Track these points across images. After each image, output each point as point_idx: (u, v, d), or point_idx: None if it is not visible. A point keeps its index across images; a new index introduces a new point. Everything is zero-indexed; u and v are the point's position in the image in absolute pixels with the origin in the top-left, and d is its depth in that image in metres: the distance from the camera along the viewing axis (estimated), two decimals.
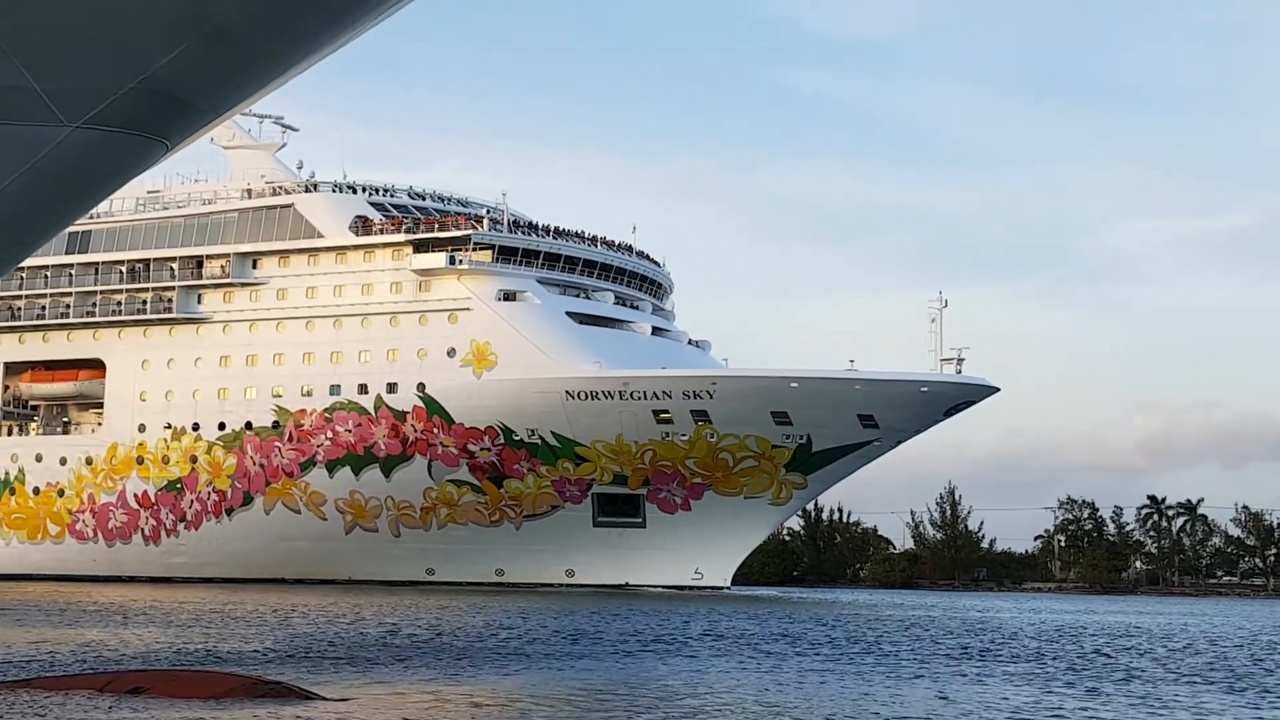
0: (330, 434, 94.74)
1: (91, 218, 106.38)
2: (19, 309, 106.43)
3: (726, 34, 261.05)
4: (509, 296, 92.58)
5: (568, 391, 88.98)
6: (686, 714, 25.04)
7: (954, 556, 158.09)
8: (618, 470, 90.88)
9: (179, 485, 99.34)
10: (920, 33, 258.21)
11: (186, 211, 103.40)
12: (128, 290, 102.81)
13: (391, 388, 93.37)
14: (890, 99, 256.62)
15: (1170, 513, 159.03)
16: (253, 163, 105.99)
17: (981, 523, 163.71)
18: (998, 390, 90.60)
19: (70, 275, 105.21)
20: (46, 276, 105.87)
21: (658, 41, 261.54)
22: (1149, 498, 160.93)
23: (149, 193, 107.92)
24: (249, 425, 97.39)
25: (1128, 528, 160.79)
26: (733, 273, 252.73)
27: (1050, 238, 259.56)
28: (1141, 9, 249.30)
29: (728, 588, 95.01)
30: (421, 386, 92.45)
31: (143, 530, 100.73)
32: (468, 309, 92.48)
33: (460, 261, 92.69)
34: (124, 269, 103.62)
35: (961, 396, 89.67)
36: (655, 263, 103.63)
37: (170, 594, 78.56)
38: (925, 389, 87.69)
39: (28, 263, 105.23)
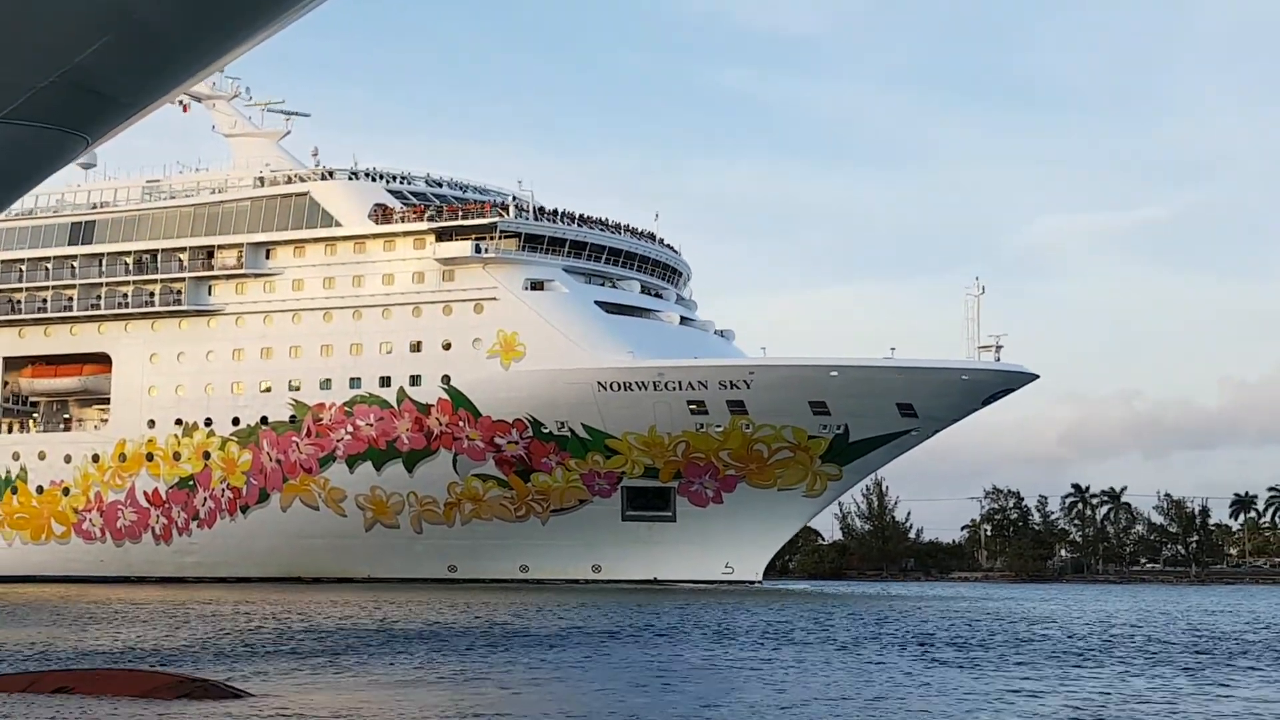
0: (351, 428, 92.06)
1: (95, 207, 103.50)
2: (19, 302, 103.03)
3: (652, 31, 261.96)
4: (536, 286, 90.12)
5: (600, 382, 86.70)
6: None
7: (882, 547, 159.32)
8: (649, 463, 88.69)
9: (191, 482, 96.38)
10: (842, 31, 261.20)
11: (196, 201, 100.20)
12: (135, 282, 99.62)
13: (415, 380, 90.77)
14: (813, 97, 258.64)
15: (1094, 501, 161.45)
16: (256, 151, 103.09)
17: (909, 513, 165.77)
18: (1037, 377, 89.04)
19: (73, 267, 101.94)
20: (48, 269, 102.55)
21: (582, 39, 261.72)
22: (1073, 486, 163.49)
23: (148, 182, 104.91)
24: (264, 420, 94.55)
25: (1053, 516, 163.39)
26: None
27: (972, 233, 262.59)
28: (1056, 10, 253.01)
29: (759, 582, 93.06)
30: (446, 378, 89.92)
31: (153, 529, 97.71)
32: (494, 299, 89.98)
33: (486, 250, 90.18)
34: (130, 260, 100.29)
35: (1002, 384, 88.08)
36: (675, 251, 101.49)
37: (172, 594, 75.89)
38: (966, 377, 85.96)
39: (28, 255, 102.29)
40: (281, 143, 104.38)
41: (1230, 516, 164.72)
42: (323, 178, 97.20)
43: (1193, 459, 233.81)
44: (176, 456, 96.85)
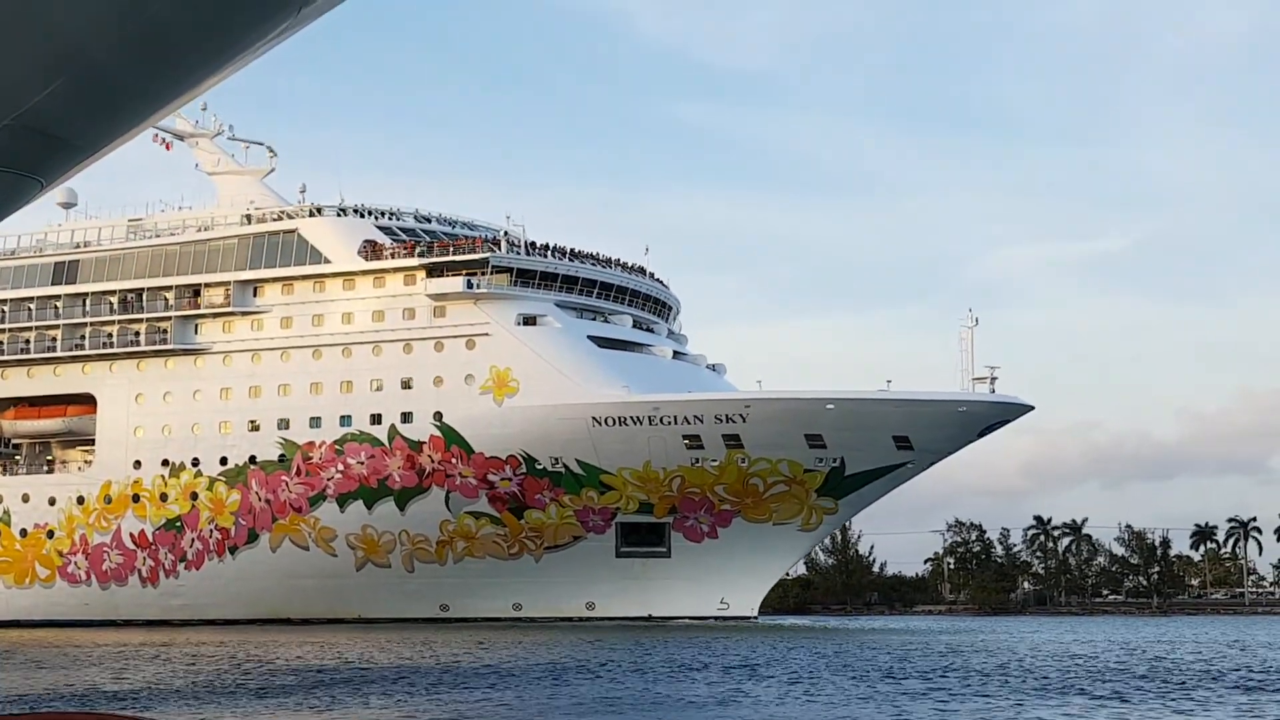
0: (341, 466, 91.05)
1: (78, 247, 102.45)
2: (1, 343, 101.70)
3: (610, 66, 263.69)
4: (529, 321, 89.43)
5: (594, 418, 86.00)
6: None
7: (845, 581, 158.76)
8: (644, 498, 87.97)
9: (178, 523, 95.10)
10: (797, 64, 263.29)
11: (181, 239, 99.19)
12: (120, 321, 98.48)
13: (406, 417, 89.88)
14: (770, 130, 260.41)
15: (1056, 533, 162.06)
16: (241, 189, 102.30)
17: (872, 547, 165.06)
18: (1033, 408, 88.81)
19: (57, 308, 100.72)
20: (30, 309, 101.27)
21: (542, 74, 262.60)
22: (1035, 518, 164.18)
23: (131, 221, 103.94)
24: (253, 459, 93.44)
25: (1015, 549, 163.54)
26: None
27: (930, 265, 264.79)
28: (1010, 41, 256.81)
29: (755, 618, 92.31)
30: (439, 415, 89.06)
31: (140, 571, 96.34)
32: (486, 334, 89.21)
33: (478, 285, 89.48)
34: (115, 300, 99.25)
35: (998, 416, 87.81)
36: (664, 285, 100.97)
37: (156, 637, 74.53)
38: (963, 409, 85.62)
39: (11, 295, 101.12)
40: (266, 180, 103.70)
41: (1191, 547, 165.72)
42: (311, 214, 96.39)
43: (1151, 490, 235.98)
44: (163, 497, 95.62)
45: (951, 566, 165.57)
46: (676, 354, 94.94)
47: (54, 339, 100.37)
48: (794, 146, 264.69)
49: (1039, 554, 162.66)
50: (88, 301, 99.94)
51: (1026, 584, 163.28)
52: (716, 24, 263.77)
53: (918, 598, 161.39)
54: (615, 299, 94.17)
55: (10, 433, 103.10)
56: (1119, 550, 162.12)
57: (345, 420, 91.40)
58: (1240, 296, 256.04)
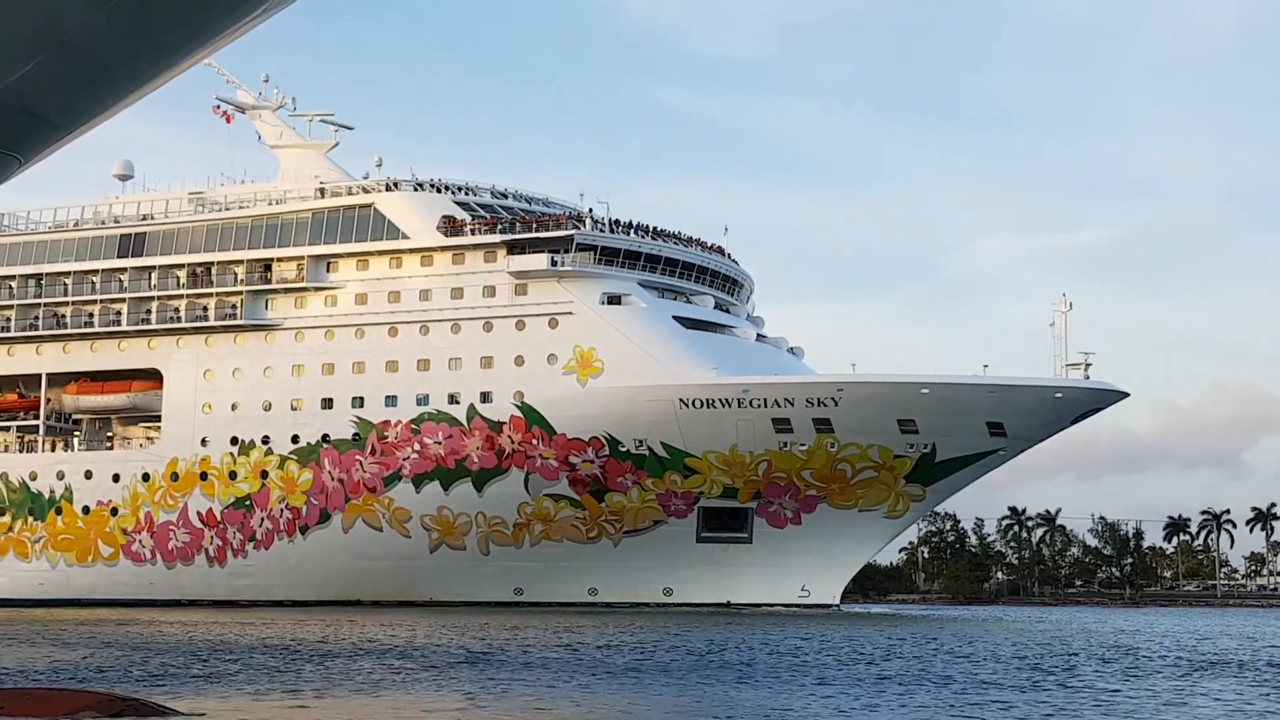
0: (418, 446, 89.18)
1: (145, 219, 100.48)
2: (64, 317, 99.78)
3: (596, 52, 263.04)
4: (613, 300, 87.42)
5: (681, 399, 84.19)
6: None
7: None
8: (728, 483, 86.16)
9: (248, 502, 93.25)
10: (786, 52, 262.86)
11: (253, 212, 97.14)
12: (188, 296, 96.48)
13: (486, 396, 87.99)
14: (756, 117, 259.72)
15: (1030, 524, 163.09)
16: (304, 163, 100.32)
17: None
18: (1128, 395, 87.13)
19: (122, 281, 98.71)
20: (95, 283, 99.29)
21: (527, 60, 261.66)
22: (1010, 509, 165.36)
23: (192, 193, 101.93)
24: (326, 438, 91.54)
25: (989, 539, 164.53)
26: None
27: (913, 254, 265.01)
28: (996, 32, 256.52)
29: (837, 606, 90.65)
30: (519, 395, 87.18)
31: (207, 551, 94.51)
32: (569, 313, 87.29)
33: (562, 263, 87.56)
34: (183, 274, 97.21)
35: (1094, 402, 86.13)
36: (737, 264, 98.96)
37: (218, 617, 73.15)
38: (1060, 395, 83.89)
39: (75, 267, 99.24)
40: (330, 154, 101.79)
41: (1164, 539, 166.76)
42: (387, 188, 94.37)
43: (1125, 482, 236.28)
44: (232, 475, 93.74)
45: (926, 556, 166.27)
46: (759, 336, 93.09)
47: (119, 313, 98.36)
48: (777, 134, 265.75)
49: (1013, 544, 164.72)
50: (154, 275, 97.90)
51: (1000, 574, 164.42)
52: (707, 10, 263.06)
53: (891, 586, 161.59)
54: (697, 279, 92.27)
55: (71, 408, 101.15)
56: (1092, 541, 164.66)
57: (422, 399, 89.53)
58: (1216, 290, 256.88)
